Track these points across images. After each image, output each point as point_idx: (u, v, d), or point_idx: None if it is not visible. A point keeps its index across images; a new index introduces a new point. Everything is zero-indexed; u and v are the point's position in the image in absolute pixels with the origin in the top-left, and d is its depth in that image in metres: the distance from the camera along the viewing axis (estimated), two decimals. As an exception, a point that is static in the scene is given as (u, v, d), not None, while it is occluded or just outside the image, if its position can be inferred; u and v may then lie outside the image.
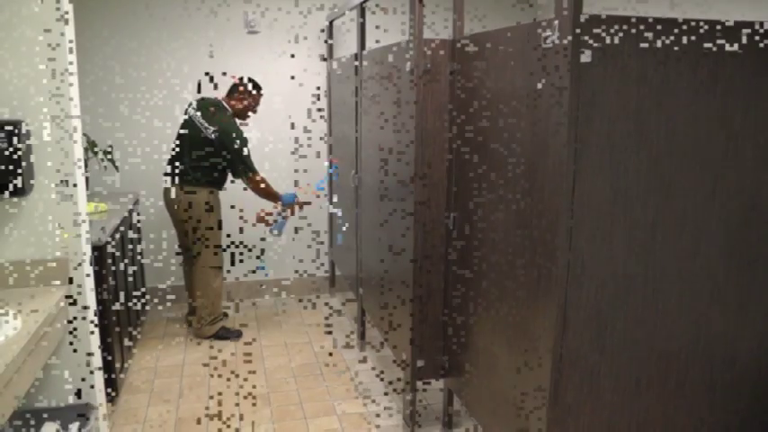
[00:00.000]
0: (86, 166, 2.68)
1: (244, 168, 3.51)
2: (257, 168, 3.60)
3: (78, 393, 2.21)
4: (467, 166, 2.20)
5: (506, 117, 1.87)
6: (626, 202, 1.60)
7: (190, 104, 3.62)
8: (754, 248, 1.72)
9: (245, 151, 3.50)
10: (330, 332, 3.85)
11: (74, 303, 2.19)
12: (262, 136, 4.27)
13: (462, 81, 2.20)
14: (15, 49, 1.81)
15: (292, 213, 3.72)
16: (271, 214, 3.73)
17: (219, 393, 3.06)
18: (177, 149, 3.56)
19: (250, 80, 3.64)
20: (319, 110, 4.37)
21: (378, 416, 2.86)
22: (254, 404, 2.97)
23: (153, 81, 4.05)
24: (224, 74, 3.81)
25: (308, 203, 3.84)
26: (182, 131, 3.56)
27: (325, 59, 4.30)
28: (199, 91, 3.68)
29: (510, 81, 1.83)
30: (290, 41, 4.22)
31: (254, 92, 3.64)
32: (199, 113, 3.51)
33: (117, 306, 2.95)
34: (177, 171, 3.54)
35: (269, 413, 2.89)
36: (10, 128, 1.77)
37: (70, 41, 2.09)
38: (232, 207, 4.18)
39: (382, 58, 2.81)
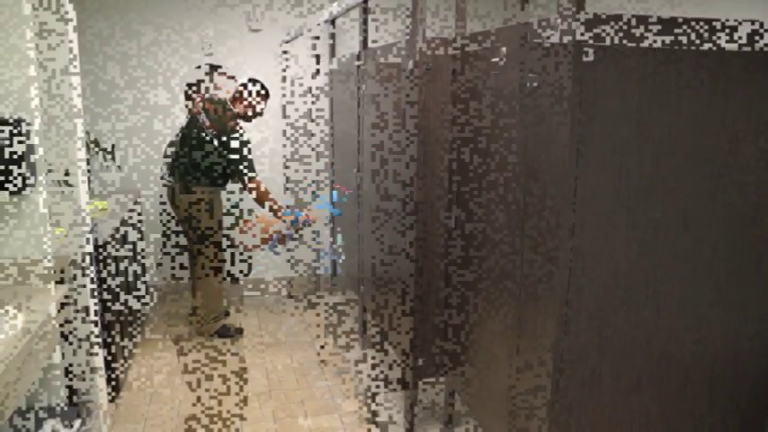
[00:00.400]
0: (87, 164, 2.68)
1: (243, 170, 3.51)
2: (256, 169, 3.60)
3: (78, 393, 2.22)
4: (467, 166, 2.20)
5: (507, 117, 1.87)
6: (627, 201, 1.60)
7: (194, 104, 3.61)
8: (756, 249, 1.72)
9: (246, 152, 3.49)
10: (330, 332, 3.85)
11: (74, 303, 2.19)
12: (261, 136, 4.27)
13: (463, 81, 2.20)
14: (16, 48, 1.81)
15: (297, 232, 3.79)
16: (280, 233, 3.75)
17: (220, 393, 3.06)
18: (179, 149, 3.55)
19: (256, 82, 3.63)
20: (319, 110, 4.36)
21: (378, 415, 2.86)
22: (254, 403, 2.97)
23: (153, 81, 4.05)
24: (222, 73, 3.80)
25: (313, 221, 3.89)
26: (184, 131, 3.56)
27: (318, 59, 4.30)
28: (198, 90, 3.67)
29: (511, 80, 1.83)
30: (290, 41, 4.23)
31: (260, 94, 3.63)
32: (202, 113, 3.51)
33: (117, 306, 2.95)
34: (179, 170, 3.54)
35: (269, 412, 2.89)
36: (11, 127, 1.77)
37: (70, 41, 2.10)
38: (233, 207, 4.19)
39: (383, 58, 2.81)
